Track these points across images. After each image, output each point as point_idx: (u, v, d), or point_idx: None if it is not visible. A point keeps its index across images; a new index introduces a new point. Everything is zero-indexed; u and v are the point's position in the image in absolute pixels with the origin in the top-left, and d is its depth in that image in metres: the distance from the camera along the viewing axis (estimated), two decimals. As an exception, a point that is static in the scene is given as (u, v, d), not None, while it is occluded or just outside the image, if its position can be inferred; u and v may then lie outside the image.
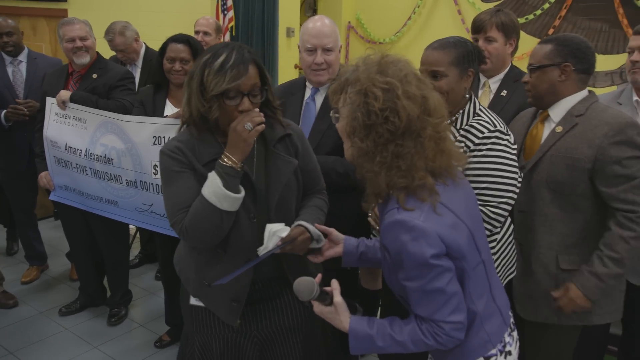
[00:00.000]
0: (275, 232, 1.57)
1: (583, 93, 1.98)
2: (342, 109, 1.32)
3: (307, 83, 2.48)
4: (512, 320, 1.52)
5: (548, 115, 2.01)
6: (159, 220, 2.79)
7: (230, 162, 1.54)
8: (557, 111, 1.98)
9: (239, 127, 1.52)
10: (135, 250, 4.56)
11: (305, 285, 1.36)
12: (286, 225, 1.63)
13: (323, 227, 1.66)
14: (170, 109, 2.79)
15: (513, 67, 2.56)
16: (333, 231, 1.68)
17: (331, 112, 1.39)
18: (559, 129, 1.94)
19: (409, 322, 1.35)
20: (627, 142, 1.83)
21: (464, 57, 1.87)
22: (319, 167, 1.88)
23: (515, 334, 1.51)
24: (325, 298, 1.39)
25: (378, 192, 1.30)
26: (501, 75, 2.54)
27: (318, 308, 1.41)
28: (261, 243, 1.62)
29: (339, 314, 1.38)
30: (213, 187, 1.53)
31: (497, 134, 1.84)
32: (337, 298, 1.39)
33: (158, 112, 2.78)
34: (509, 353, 1.46)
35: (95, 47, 3.29)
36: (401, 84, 1.24)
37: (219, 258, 1.68)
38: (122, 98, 3.11)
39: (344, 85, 1.31)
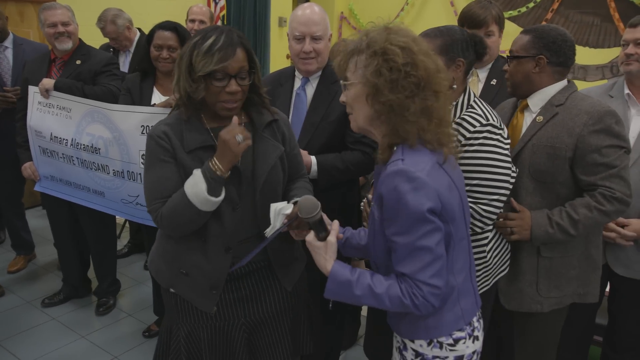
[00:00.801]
0: (280, 211, 1.58)
1: (562, 83, 2.00)
2: (354, 75, 1.35)
3: (297, 73, 2.43)
4: (480, 305, 1.54)
5: (527, 105, 2.02)
6: (145, 212, 2.71)
7: (218, 171, 1.55)
8: (536, 101, 1.99)
9: (228, 137, 1.52)
10: (124, 239, 4.53)
11: (312, 203, 1.40)
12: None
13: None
14: (157, 97, 2.75)
15: (500, 57, 2.60)
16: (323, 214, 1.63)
17: (340, 81, 1.42)
18: (540, 118, 1.95)
19: (389, 278, 1.35)
20: (605, 130, 1.85)
21: (451, 46, 1.81)
22: (300, 153, 1.90)
23: (482, 322, 1.54)
24: (322, 230, 1.41)
25: (404, 140, 1.32)
26: (489, 65, 2.58)
27: (310, 237, 1.42)
28: (243, 232, 1.65)
29: (327, 252, 1.39)
30: (196, 189, 1.54)
31: (488, 127, 1.78)
32: (332, 238, 1.41)
33: (145, 100, 2.73)
34: (477, 338, 1.47)
35: (78, 32, 3.23)
36: (414, 43, 1.31)
37: (197, 246, 1.68)
38: (108, 83, 3.05)
39: (351, 53, 1.35)
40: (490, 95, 2.45)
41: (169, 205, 1.58)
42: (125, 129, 2.64)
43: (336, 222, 1.49)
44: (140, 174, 2.67)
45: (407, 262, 1.29)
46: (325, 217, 1.44)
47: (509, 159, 1.83)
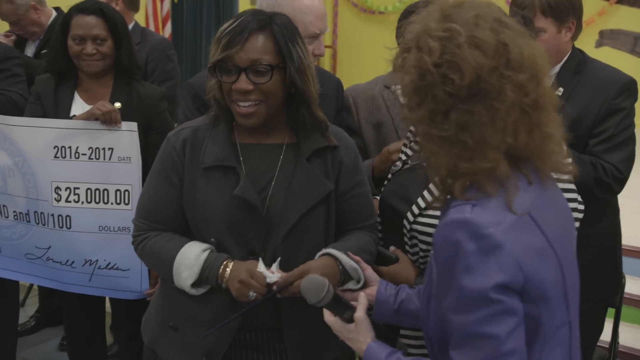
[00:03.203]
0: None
1: None
2: (402, 79, 1.17)
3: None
4: None
5: None
6: (59, 272, 2.26)
7: (223, 284, 1.44)
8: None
9: (239, 287, 1.40)
10: (30, 308, 3.84)
11: (315, 282, 1.29)
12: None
13: (356, 257, 1.48)
14: (79, 106, 2.30)
15: (574, 55, 2.07)
16: (367, 268, 1.49)
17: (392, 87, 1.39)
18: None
19: None
20: None
21: None
22: (371, 197, 1.64)
23: None
24: (343, 310, 1.31)
25: (442, 183, 1.15)
26: (556, 68, 2.06)
27: (331, 319, 1.31)
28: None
29: (359, 334, 1.29)
30: (182, 268, 1.46)
31: None
32: (360, 313, 1.30)
33: (62, 110, 2.30)
34: None
35: None
36: (466, 28, 1.08)
37: (197, 296, 1.51)
38: (7, 89, 2.55)
39: (402, 50, 1.17)
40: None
41: (154, 248, 1.53)
42: (32, 152, 2.23)
43: (363, 295, 1.35)
44: (53, 215, 2.25)
45: (463, 352, 1.10)
46: (336, 294, 1.32)
47: None
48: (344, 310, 1.32)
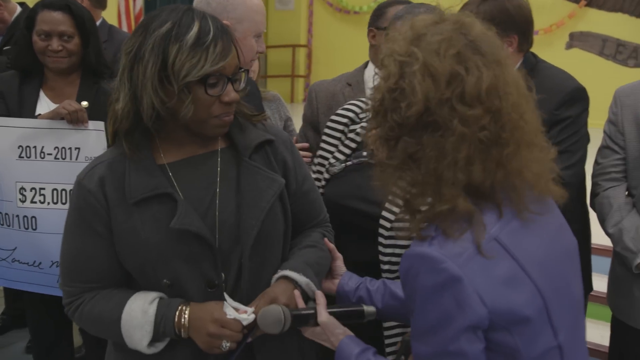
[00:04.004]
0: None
1: None
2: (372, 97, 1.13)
3: None
4: None
5: None
6: (26, 273, 2.20)
7: (183, 334, 1.25)
8: None
9: (208, 341, 1.22)
10: None
11: (271, 315, 1.23)
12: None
13: (330, 245, 1.46)
14: (45, 104, 2.24)
15: (525, 64, 2.03)
16: (339, 258, 1.48)
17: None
18: None
19: None
20: None
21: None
22: (316, 188, 1.52)
23: None
24: (306, 321, 1.30)
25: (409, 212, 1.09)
26: None
27: (307, 332, 1.31)
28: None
29: (328, 334, 1.28)
30: (132, 329, 1.24)
31: None
32: (322, 317, 1.28)
33: (26, 109, 2.22)
34: None
35: None
36: (425, 54, 1.00)
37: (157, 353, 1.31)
38: None
39: (378, 67, 1.12)
40: None
41: (92, 314, 1.30)
42: (-6, 153, 2.19)
43: (320, 295, 1.32)
44: (17, 216, 2.20)
45: None
46: (293, 313, 1.27)
47: None
48: (307, 320, 1.28)
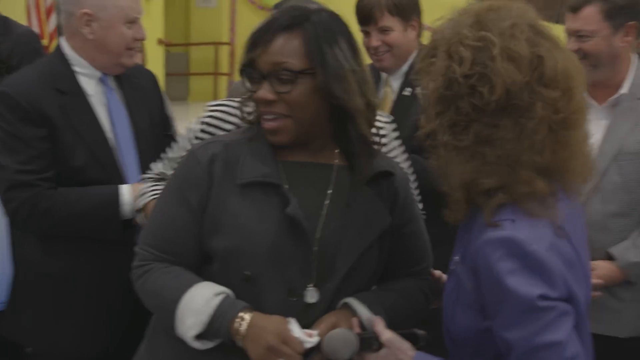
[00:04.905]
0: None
1: None
2: (426, 84, 1.09)
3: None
4: None
5: None
6: None
7: (238, 341, 1.13)
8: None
9: (265, 354, 1.11)
10: None
11: (341, 339, 1.13)
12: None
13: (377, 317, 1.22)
14: None
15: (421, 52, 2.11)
16: (384, 332, 1.23)
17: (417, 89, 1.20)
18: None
19: None
20: None
21: None
22: (426, 236, 1.38)
23: None
24: (370, 344, 1.17)
25: (460, 196, 1.06)
26: (404, 68, 2.06)
27: (370, 358, 1.16)
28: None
29: (396, 352, 1.15)
30: (188, 313, 1.14)
31: None
32: (386, 335, 1.16)
33: None
34: None
35: None
36: (501, 38, 1.00)
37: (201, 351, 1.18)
38: None
39: (429, 53, 1.08)
40: (401, 111, 1.97)
41: (155, 285, 1.21)
42: None
43: (378, 319, 1.18)
44: None
45: None
46: (360, 336, 1.16)
47: None
48: (370, 344, 1.18)
